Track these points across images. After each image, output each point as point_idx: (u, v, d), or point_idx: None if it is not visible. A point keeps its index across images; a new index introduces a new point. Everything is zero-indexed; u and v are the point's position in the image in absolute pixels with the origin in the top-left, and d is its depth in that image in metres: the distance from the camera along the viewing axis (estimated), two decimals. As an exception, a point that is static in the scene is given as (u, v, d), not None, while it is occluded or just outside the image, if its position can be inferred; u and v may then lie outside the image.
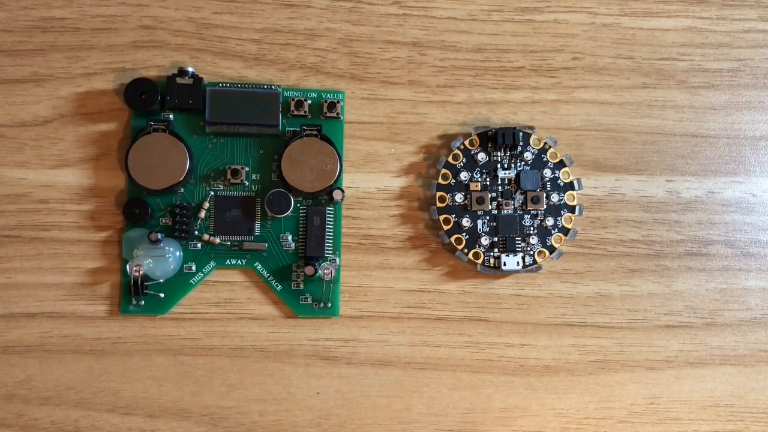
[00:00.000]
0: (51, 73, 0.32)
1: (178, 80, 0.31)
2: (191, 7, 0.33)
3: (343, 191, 0.31)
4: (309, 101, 0.32)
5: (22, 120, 0.32)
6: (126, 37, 0.32)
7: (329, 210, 0.31)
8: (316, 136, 0.31)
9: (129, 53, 0.32)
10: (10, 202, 0.31)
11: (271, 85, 0.32)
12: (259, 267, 0.31)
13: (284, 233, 0.31)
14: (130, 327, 0.31)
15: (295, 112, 0.32)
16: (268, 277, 0.31)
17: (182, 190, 0.31)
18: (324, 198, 0.32)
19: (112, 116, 0.32)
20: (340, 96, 0.32)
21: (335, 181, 0.31)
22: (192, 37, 0.33)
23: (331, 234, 0.31)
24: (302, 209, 0.32)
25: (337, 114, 0.32)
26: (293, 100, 0.32)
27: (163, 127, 0.31)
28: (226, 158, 0.32)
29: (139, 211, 0.30)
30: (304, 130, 0.31)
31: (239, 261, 0.31)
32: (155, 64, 0.32)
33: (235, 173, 0.31)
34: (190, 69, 0.31)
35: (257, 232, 0.31)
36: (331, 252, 0.32)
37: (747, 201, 0.34)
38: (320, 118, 0.32)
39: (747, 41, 0.34)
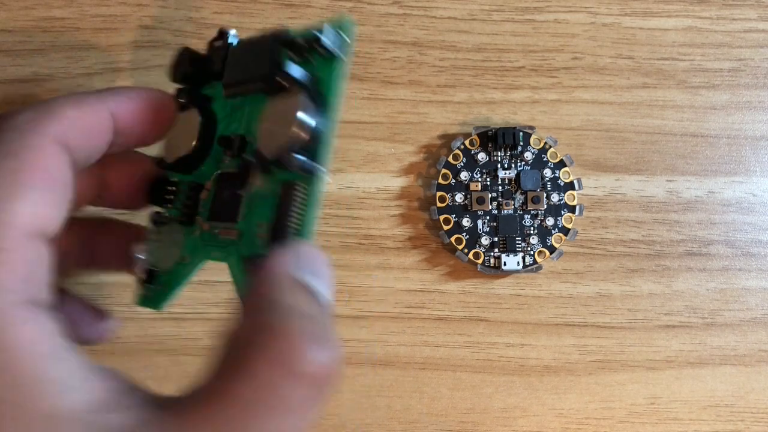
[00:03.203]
0: (51, 73, 0.32)
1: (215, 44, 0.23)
2: (191, 7, 0.33)
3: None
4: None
5: (22, 120, 0.32)
6: (126, 37, 0.32)
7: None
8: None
9: (129, 53, 0.32)
10: (10, 202, 0.31)
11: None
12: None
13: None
14: (131, 327, 0.31)
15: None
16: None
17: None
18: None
19: (112, 116, 0.32)
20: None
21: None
22: (192, 37, 0.33)
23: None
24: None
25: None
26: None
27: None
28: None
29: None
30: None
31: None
32: (155, 64, 0.32)
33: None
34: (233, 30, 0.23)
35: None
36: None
37: (747, 201, 0.34)
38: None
39: (747, 41, 0.34)
